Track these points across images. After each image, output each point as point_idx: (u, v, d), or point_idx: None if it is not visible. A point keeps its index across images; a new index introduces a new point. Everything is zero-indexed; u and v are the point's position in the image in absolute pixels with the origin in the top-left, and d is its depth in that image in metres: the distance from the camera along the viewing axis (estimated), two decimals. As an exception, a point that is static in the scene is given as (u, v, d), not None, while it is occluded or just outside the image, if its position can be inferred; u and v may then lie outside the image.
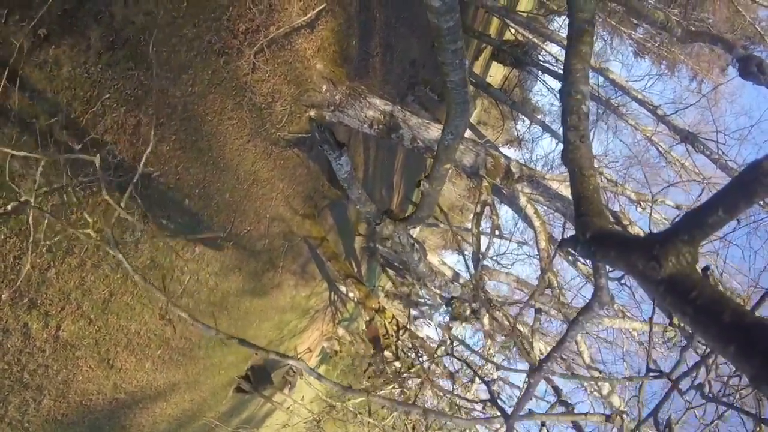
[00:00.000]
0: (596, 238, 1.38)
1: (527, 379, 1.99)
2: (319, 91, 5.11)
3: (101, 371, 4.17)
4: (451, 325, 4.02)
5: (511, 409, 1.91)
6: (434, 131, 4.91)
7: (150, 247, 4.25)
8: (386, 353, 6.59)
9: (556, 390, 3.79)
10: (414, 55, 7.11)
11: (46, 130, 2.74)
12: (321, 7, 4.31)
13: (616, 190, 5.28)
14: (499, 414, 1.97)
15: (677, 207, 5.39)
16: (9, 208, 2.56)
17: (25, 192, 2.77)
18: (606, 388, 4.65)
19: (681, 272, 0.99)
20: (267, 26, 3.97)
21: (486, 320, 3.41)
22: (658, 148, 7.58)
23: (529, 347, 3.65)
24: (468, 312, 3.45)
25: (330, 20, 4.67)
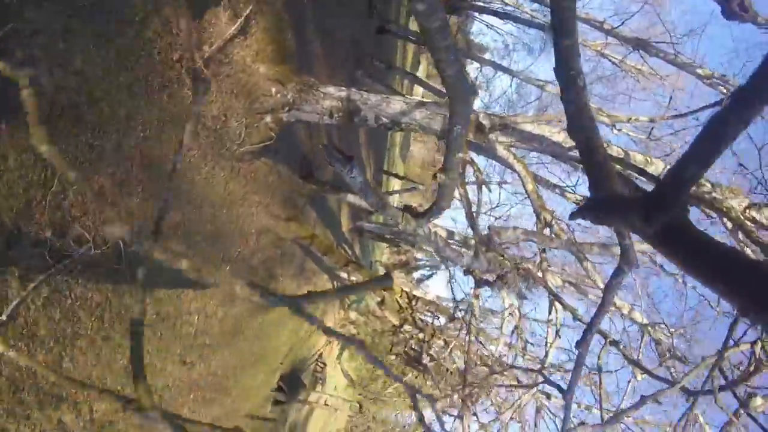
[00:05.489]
0: (602, 204, 1.46)
1: (575, 350, 2.09)
2: (269, 95, 4.91)
3: (144, 433, 4.15)
4: (476, 293, 4.11)
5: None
6: (396, 105, 4.82)
7: (151, 300, 4.14)
8: (406, 327, 6.75)
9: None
10: (351, 32, 6.84)
11: (12, 225, 2.57)
12: (249, 9, 4.07)
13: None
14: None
15: (651, 120, 5.51)
16: (4, 317, 2.42)
17: (13, 294, 2.63)
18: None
19: (670, 225, 1.10)
20: (200, 47, 3.74)
21: (512, 281, 3.51)
22: (611, 60, 7.64)
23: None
24: (494, 278, 3.53)
25: (260, 20, 4.42)
